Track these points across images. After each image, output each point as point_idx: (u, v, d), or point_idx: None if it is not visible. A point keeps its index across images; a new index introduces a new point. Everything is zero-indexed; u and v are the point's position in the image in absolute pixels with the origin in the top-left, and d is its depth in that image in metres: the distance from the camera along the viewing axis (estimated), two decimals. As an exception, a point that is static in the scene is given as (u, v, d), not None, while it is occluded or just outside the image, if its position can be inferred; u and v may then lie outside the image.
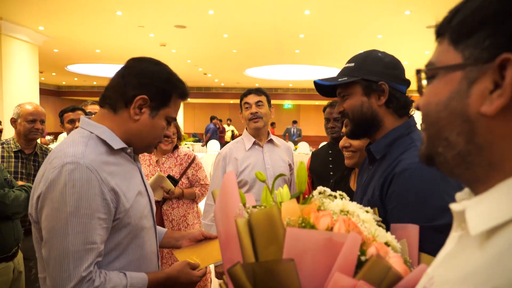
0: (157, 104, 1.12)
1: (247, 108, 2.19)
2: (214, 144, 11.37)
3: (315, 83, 1.19)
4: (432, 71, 0.48)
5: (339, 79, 1.13)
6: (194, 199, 2.69)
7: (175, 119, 1.21)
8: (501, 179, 0.42)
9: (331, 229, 0.66)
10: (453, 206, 0.46)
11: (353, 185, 1.80)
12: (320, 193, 0.84)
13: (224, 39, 7.72)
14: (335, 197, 0.84)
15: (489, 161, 0.43)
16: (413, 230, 0.81)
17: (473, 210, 0.43)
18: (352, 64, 1.15)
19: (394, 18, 6.04)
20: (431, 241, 0.79)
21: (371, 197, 1.08)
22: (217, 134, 12.54)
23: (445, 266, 0.47)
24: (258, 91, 2.20)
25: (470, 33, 0.43)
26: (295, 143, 11.74)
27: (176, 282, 1.17)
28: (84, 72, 13.05)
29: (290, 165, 2.29)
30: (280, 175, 0.90)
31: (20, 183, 2.35)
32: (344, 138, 1.72)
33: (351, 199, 1.75)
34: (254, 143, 2.21)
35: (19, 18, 6.19)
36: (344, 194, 0.86)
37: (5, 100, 6.19)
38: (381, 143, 1.12)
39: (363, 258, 0.63)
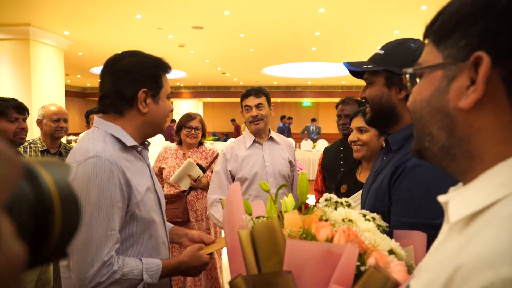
0: (155, 90, 1.20)
1: (247, 110, 2.25)
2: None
3: (344, 64, 1.18)
4: (418, 71, 0.52)
5: (364, 66, 1.11)
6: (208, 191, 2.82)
7: (171, 93, 1.29)
8: (482, 170, 0.44)
9: (331, 239, 0.67)
10: (440, 198, 0.49)
11: (359, 176, 1.86)
12: (326, 199, 0.88)
13: (241, 39, 7.80)
14: (341, 203, 0.86)
15: (469, 153, 0.46)
16: (420, 237, 0.80)
17: (455, 200, 0.46)
18: (382, 52, 1.12)
19: (410, 13, 5.93)
20: (432, 239, 0.78)
21: (379, 186, 1.08)
22: (285, 133, 12.49)
23: (433, 253, 0.50)
24: (258, 92, 2.24)
25: (449, 34, 0.47)
26: (314, 140, 11.69)
27: (188, 266, 1.25)
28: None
29: (290, 161, 2.33)
30: (283, 185, 0.92)
31: None
32: (353, 133, 1.79)
33: (357, 188, 1.79)
34: (254, 141, 2.28)
35: (45, 23, 6.46)
36: (349, 200, 0.88)
37: (34, 102, 6.50)
38: (399, 135, 1.10)
39: (362, 268, 0.64)
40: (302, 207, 0.82)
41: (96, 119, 1.22)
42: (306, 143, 11.22)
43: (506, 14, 0.42)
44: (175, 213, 2.63)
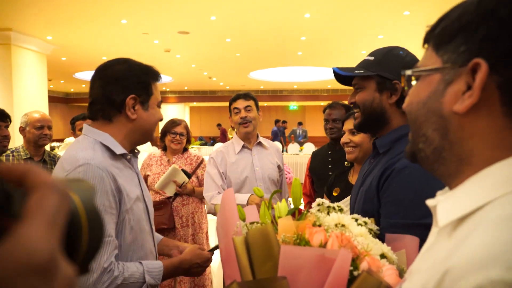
0: (144, 97, 1.20)
1: (236, 113, 2.26)
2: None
3: (334, 70, 1.19)
4: (416, 73, 0.53)
5: (356, 71, 1.13)
6: (202, 199, 2.80)
7: (161, 101, 1.29)
8: (470, 173, 0.46)
9: (325, 244, 0.68)
10: (429, 202, 0.50)
11: (351, 179, 1.87)
12: (318, 204, 0.88)
13: (227, 44, 7.81)
14: (334, 208, 0.87)
15: (459, 156, 0.47)
16: (412, 241, 0.81)
17: (442, 205, 0.47)
18: (372, 58, 1.14)
19: (394, 19, 6.07)
20: (422, 239, 0.80)
21: (368, 188, 1.10)
22: (279, 137, 12.45)
23: (423, 257, 0.51)
24: (246, 96, 2.26)
25: (449, 39, 0.48)
26: (301, 144, 11.76)
27: (190, 264, 1.25)
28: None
29: (279, 166, 2.35)
30: (277, 191, 0.93)
31: None
32: (345, 135, 1.80)
33: (349, 191, 1.81)
34: (243, 146, 2.29)
35: (28, 28, 6.33)
36: (342, 205, 0.88)
37: (15, 108, 6.35)
38: (387, 139, 1.13)
39: (355, 272, 0.65)
40: (296, 213, 0.83)
41: (86, 127, 1.21)
42: (293, 147, 11.28)
43: (507, 22, 0.43)
44: (161, 220, 2.61)
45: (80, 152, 1.11)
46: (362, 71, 1.13)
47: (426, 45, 0.54)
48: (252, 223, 0.79)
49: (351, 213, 1.24)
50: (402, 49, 1.15)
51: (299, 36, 7.27)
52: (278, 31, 6.83)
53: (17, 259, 0.22)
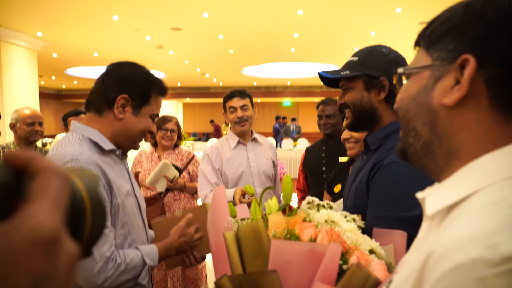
0: (139, 102, 1.20)
1: (232, 111, 2.25)
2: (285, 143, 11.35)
3: (320, 74, 1.21)
4: (407, 71, 0.56)
5: (342, 73, 1.15)
6: (194, 194, 2.81)
7: (157, 115, 1.29)
8: (458, 166, 0.47)
9: (315, 239, 0.69)
10: (418, 194, 0.52)
11: None
12: (308, 203, 0.88)
13: (220, 40, 7.79)
14: (323, 206, 0.86)
15: (447, 149, 0.49)
16: (400, 236, 0.83)
17: (431, 196, 0.49)
18: (356, 58, 1.16)
19: (386, 16, 6.10)
20: (406, 231, 0.82)
21: (358, 183, 1.12)
22: (280, 133, 12.43)
23: (413, 250, 0.52)
24: (242, 94, 2.25)
25: (439, 39, 0.51)
26: (294, 140, 11.80)
27: (180, 242, 1.30)
28: (83, 76, 13.11)
29: (273, 161, 2.37)
30: (268, 187, 0.94)
31: None
32: (345, 131, 1.80)
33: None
34: (239, 142, 2.30)
35: (17, 24, 6.25)
36: (331, 203, 0.89)
37: (5, 105, 6.28)
38: (377, 135, 1.14)
39: (345, 267, 0.67)
40: (286, 209, 0.84)
41: (73, 123, 1.22)
42: (287, 142, 11.32)
43: (493, 24, 0.46)
44: (152, 215, 2.61)
45: (68, 147, 1.11)
46: (348, 72, 1.14)
47: (417, 48, 0.56)
48: (242, 219, 0.80)
49: (344, 209, 1.26)
50: (385, 46, 1.18)
51: (292, 33, 7.27)
52: (271, 27, 6.82)
53: (24, 234, 0.24)
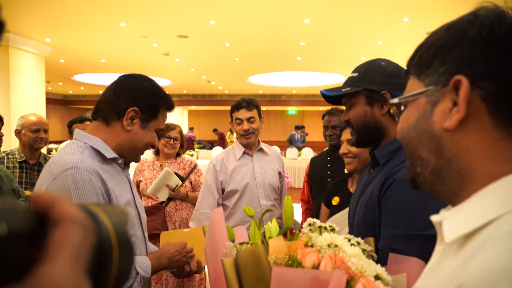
0: (148, 116, 1.21)
1: (238, 123, 2.21)
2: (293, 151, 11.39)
3: (322, 93, 1.22)
4: (402, 100, 0.56)
5: (343, 89, 1.15)
6: (196, 204, 2.78)
7: (162, 130, 1.29)
8: (473, 189, 0.46)
9: (318, 265, 0.66)
10: (433, 218, 0.50)
11: (351, 188, 1.85)
12: (309, 224, 0.86)
13: (226, 48, 7.81)
14: (326, 228, 0.84)
15: (459, 173, 0.47)
16: (417, 265, 0.79)
17: (449, 220, 0.47)
18: (356, 74, 1.16)
19: (393, 25, 6.07)
20: (423, 250, 0.79)
21: (368, 198, 1.09)
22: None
23: (427, 277, 0.51)
24: (249, 105, 2.21)
25: (428, 64, 0.51)
26: (299, 149, 11.75)
27: (171, 253, 1.29)
28: (90, 82, 13.23)
29: (280, 173, 2.32)
30: (268, 210, 0.90)
31: (27, 193, 2.42)
32: (343, 145, 1.79)
33: (349, 200, 1.79)
34: (244, 153, 2.26)
35: (26, 30, 6.32)
36: (333, 225, 0.86)
37: (12, 110, 6.32)
38: (387, 149, 1.12)
39: None
40: (288, 232, 0.80)
41: (77, 131, 1.22)
42: (292, 151, 11.28)
43: (477, 41, 0.46)
44: (154, 225, 2.58)
45: (69, 155, 1.10)
46: (348, 88, 1.14)
47: (408, 76, 0.57)
48: (241, 243, 0.76)
49: (350, 224, 1.23)
50: (384, 60, 1.17)
51: (298, 41, 7.28)
52: (277, 36, 6.83)
53: None
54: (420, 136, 0.51)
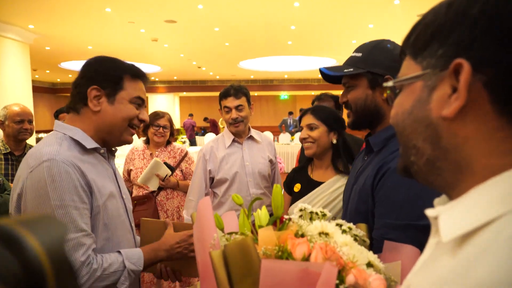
0: (111, 90, 1.15)
1: (227, 111, 2.18)
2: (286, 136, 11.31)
3: (321, 70, 1.16)
4: (397, 83, 0.51)
5: (345, 70, 1.10)
6: (187, 192, 2.77)
7: (142, 100, 1.21)
8: (471, 182, 0.43)
9: (308, 257, 0.64)
10: (429, 212, 0.47)
11: (312, 174, 1.84)
12: (300, 210, 0.83)
13: (216, 33, 7.67)
14: (317, 213, 0.82)
15: (456, 164, 0.44)
16: (412, 252, 0.77)
17: (446, 216, 0.43)
18: (360, 54, 1.11)
19: (384, 8, 6.00)
20: (416, 240, 0.78)
21: (362, 187, 1.07)
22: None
23: (421, 273, 0.48)
24: (237, 93, 2.15)
25: (425, 45, 0.46)
26: (292, 134, 11.76)
27: (170, 244, 1.24)
28: (78, 69, 12.83)
29: (271, 160, 2.30)
30: (257, 198, 0.88)
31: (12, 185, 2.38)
32: (303, 130, 1.79)
33: (311, 187, 1.77)
34: (234, 140, 2.22)
35: (8, 17, 6.11)
36: (325, 210, 0.84)
37: (-2, 100, 6.19)
38: (381, 136, 1.09)
39: (341, 287, 0.61)
40: (277, 222, 0.78)
41: (56, 122, 1.18)
42: (284, 136, 11.28)
43: (479, 21, 0.41)
44: (145, 215, 2.56)
45: (46, 147, 1.07)
46: (351, 69, 1.09)
47: (403, 56, 0.52)
48: (230, 233, 0.74)
49: (344, 212, 1.21)
50: (389, 41, 1.12)
51: (288, 25, 7.17)
52: (267, 20, 6.72)
53: None
54: (416, 124, 0.47)
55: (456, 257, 0.40)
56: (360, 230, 0.83)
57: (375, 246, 0.92)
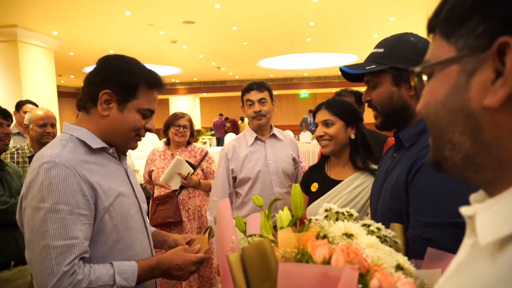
0: (123, 97, 1.11)
1: (250, 105, 2.15)
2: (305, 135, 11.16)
3: (341, 69, 1.12)
4: (426, 68, 0.45)
5: (367, 67, 1.05)
6: (208, 191, 2.76)
7: (152, 111, 1.18)
8: None
9: (329, 259, 0.60)
10: (464, 210, 0.42)
11: (330, 173, 1.76)
12: (326, 210, 0.80)
13: (234, 32, 7.67)
14: (343, 213, 0.78)
15: (499, 161, 0.39)
16: None
17: (484, 216, 0.38)
18: (381, 50, 1.06)
19: (406, 0, 5.83)
20: (456, 238, 0.72)
21: (393, 184, 1.01)
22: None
23: (456, 278, 0.43)
24: (260, 87, 2.14)
25: (461, 22, 0.40)
26: (312, 132, 11.63)
27: (170, 265, 1.16)
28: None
29: (294, 159, 2.24)
30: (276, 199, 0.84)
31: None
32: (318, 128, 1.71)
33: (328, 185, 1.67)
34: (256, 139, 2.18)
35: (33, 24, 6.33)
36: (352, 210, 0.80)
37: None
38: (412, 131, 1.04)
39: None
40: (297, 223, 0.73)
41: (65, 124, 1.17)
42: (305, 135, 11.17)
43: None
44: (167, 214, 2.58)
45: (49, 149, 1.06)
46: (373, 66, 1.03)
47: (431, 35, 0.46)
48: (250, 236, 0.70)
49: (373, 213, 1.15)
50: (412, 34, 1.06)
51: (307, 22, 7.07)
52: (286, 17, 6.65)
53: None
54: (452, 115, 0.41)
55: (497, 263, 0.35)
56: (391, 231, 0.77)
57: (410, 246, 0.87)
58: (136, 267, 1.09)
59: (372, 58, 1.08)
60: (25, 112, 3.06)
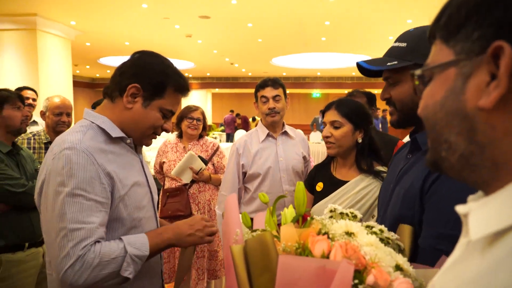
0: (150, 94, 1.14)
1: (264, 102, 2.15)
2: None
3: (358, 64, 1.05)
4: (427, 72, 0.47)
5: (388, 63, 0.98)
6: (218, 186, 2.79)
7: (172, 113, 1.21)
8: (509, 179, 0.39)
9: (328, 254, 0.62)
10: (459, 208, 0.43)
11: (335, 173, 1.75)
12: (331, 211, 0.81)
13: (249, 29, 7.68)
14: (347, 214, 0.79)
15: (493, 161, 0.40)
16: None
17: (476, 213, 0.40)
18: (403, 44, 0.98)
19: (423, 1, 5.74)
20: None
21: (407, 189, 0.95)
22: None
23: (447, 273, 0.45)
24: (275, 83, 2.14)
25: (458, 27, 0.42)
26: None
27: (178, 224, 1.19)
28: (115, 65, 13.36)
29: (304, 157, 2.25)
30: (281, 196, 0.83)
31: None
32: (326, 127, 1.69)
33: (334, 185, 1.65)
34: (268, 135, 2.20)
35: (52, 13, 6.43)
36: (356, 212, 0.80)
37: (41, 92, 6.52)
38: None
39: (360, 287, 0.58)
40: (300, 220, 0.75)
41: (86, 110, 1.20)
42: (315, 135, 11.12)
43: None
44: (177, 207, 2.61)
45: (70, 135, 1.08)
46: (395, 62, 0.97)
47: (432, 41, 0.49)
48: (254, 230, 0.72)
49: (382, 216, 1.10)
50: None
51: (322, 21, 7.04)
52: (301, 15, 6.63)
53: None
54: (449, 117, 0.43)
55: (485, 258, 0.37)
56: (394, 234, 0.77)
57: (420, 255, 0.83)
58: (145, 236, 1.11)
59: (393, 53, 1.01)
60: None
